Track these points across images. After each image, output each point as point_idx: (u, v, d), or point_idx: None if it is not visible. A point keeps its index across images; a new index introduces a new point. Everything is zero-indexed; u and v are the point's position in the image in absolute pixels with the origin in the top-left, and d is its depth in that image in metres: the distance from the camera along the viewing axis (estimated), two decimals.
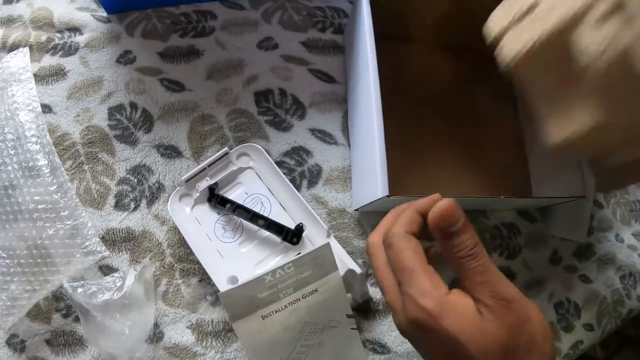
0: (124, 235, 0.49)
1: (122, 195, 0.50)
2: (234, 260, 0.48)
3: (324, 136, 0.54)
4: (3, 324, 0.44)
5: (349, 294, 0.44)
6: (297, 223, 0.48)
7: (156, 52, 0.56)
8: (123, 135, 0.52)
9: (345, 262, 0.48)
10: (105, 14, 0.57)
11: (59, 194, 0.47)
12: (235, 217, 0.49)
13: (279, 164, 0.52)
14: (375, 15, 0.46)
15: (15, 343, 0.46)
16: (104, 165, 0.51)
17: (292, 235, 0.48)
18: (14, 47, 0.55)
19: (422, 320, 0.25)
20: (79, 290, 0.43)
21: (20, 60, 0.54)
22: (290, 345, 0.42)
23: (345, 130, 0.55)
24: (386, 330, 0.49)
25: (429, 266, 0.27)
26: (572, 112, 0.29)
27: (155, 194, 0.51)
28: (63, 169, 0.49)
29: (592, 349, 0.98)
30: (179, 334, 0.47)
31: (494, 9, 0.38)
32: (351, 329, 0.44)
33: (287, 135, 0.54)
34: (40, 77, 0.54)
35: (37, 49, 0.55)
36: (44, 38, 0.56)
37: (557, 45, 0.27)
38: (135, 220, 0.50)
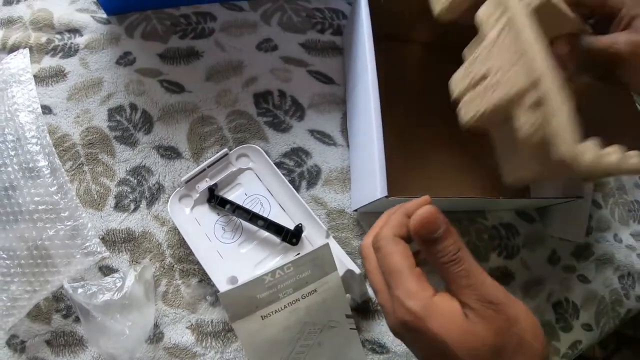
0: (124, 236, 0.49)
1: (122, 196, 0.51)
2: (234, 260, 0.48)
3: (323, 137, 0.55)
4: (3, 325, 0.44)
5: (348, 294, 0.44)
6: (297, 224, 0.48)
7: (156, 54, 0.56)
8: (123, 137, 0.53)
9: (344, 262, 0.48)
10: (105, 16, 0.57)
11: (59, 195, 0.47)
12: (234, 217, 0.50)
13: (278, 165, 0.52)
14: (374, 16, 0.46)
15: (16, 344, 0.46)
16: (104, 166, 0.51)
17: (292, 236, 0.48)
18: (14, 49, 0.56)
19: (410, 322, 0.26)
20: (79, 290, 0.43)
21: (21, 61, 0.54)
22: (289, 345, 0.42)
23: (344, 131, 0.55)
24: (385, 331, 0.49)
25: (417, 268, 0.27)
26: (520, 160, 0.33)
27: (155, 194, 0.51)
28: (63, 170, 0.49)
29: (591, 349, 0.98)
30: (179, 334, 0.47)
31: None
32: (350, 329, 0.44)
33: (287, 136, 0.54)
34: (40, 79, 0.54)
35: (37, 50, 0.56)
36: (44, 39, 0.56)
37: (503, 114, 0.30)
38: (135, 221, 0.50)
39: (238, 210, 0.48)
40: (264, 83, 0.56)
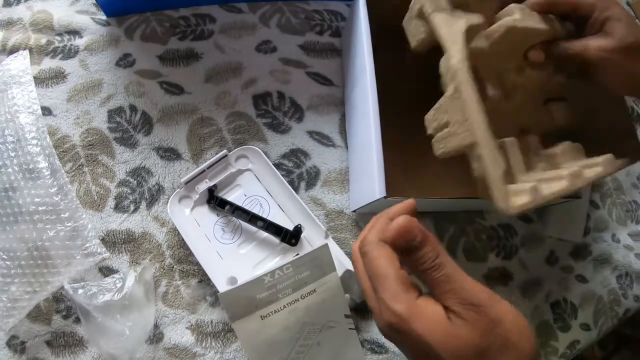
0: (123, 236, 0.49)
1: (122, 197, 0.51)
2: (233, 261, 0.48)
3: (321, 138, 0.55)
4: (3, 326, 0.44)
5: (347, 295, 0.45)
6: (296, 224, 0.49)
7: (155, 55, 0.56)
8: (123, 138, 0.53)
9: (343, 262, 0.48)
10: (104, 17, 0.58)
11: (59, 196, 0.47)
12: (234, 218, 0.50)
13: (278, 166, 0.53)
14: (372, 18, 0.46)
15: (16, 344, 0.46)
16: (104, 168, 0.52)
17: (291, 237, 0.48)
18: (14, 50, 0.56)
19: (395, 324, 0.26)
20: (80, 291, 0.44)
21: (20, 63, 0.54)
22: (289, 345, 0.42)
23: (343, 132, 0.55)
24: None
25: (402, 272, 0.28)
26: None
27: (154, 195, 0.51)
28: (63, 171, 0.50)
29: (589, 348, 0.99)
30: (179, 334, 0.47)
31: (492, 8, 0.42)
32: (349, 329, 0.44)
33: (286, 137, 0.54)
34: (40, 80, 0.54)
35: (37, 52, 0.56)
36: (43, 41, 0.56)
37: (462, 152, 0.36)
38: (135, 222, 0.50)
39: (237, 211, 0.49)
40: (263, 84, 0.56)
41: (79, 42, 0.56)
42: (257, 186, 0.51)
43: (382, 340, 0.49)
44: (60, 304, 0.47)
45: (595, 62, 0.39)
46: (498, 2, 0.42)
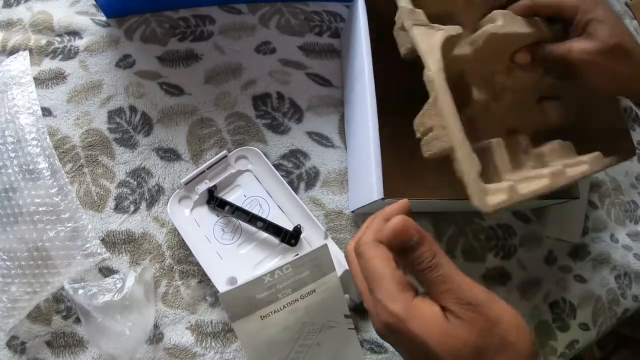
0: (124, 237, 0.50)
1: (122, 198, 0.51)
2: (233, 261, 0.49)
3: (321, 139, 0.55)
4: (3, 326, 0.44)
5: (346, 295, 0.45)
6: (295, 225, 0.49)
7: (155, 56, 0.56)
8: (123, 139, 0.53)
9: (342, 263, 0.48)
10: (104, 18, 0.58)
11: (59, 197, 0.48)
12: (234, 219, 0.50)
13: (277, 166, 0.53)
14: (371, 19, 0.46)
15: (16, 345, 0.46)
16: (104, 168, 0.52)
17: (290, 237, 0.48)
18: (14, 51, 0.56)
19: (392, 324, 0.26)
20: (80, 291, 0.44)
21: (20, 63, 0.54)
22: (288, 345, 0.42)
23: (342, 133, 0.55)
24: None
25: (398, 272, 0.28)
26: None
27: (154, 196, 0.51)
28: (63, 171, 0.50)
29: (589, 348, 0.99)
30: (179, 334, 0.47)
31: (477, 15, 0.44)
32: (349, 329, 0.44)
33: (285, 138, 0.55)
34: (40, 81, 0.54)
35: (37, 53, 0.56)
36: (43, 42, 0.56)
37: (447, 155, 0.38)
38: (135, 222, 0.50)
39: (237, 211, 0.49)
40: (262, 85, 0.56)
41: (79, 43, 0.56)
42: (256, 187, 0.51)
43: (382, 340, 0.49)
44: (61, 305, 0.47)
45: (578, 64, 0.40)
46: (484, 9, 0.44)
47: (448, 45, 0.40)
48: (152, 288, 0.47)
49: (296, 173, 0.53)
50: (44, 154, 0.49)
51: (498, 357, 0.25)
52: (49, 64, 0.55)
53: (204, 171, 0.50)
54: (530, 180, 0.39)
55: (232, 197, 0.51)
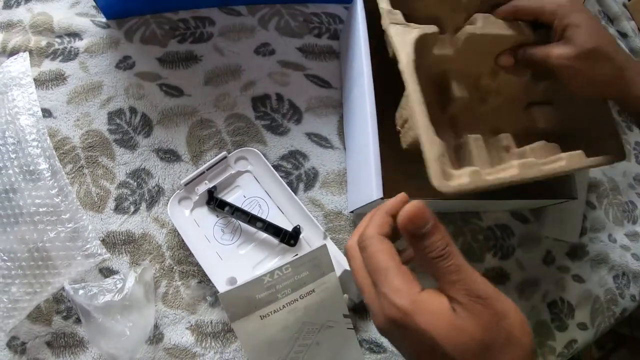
0: (124, 237, 0.50)
1: (122, 199, 0.51)
2: (233, 261, 0.49)
3: (320, 140, 0.55)
4: (4, 326, 0.44)
5: (345, 295, 0.45)
6: (295, 225, 0.49)
7: (155, 58, 0.56)
8: (123, 140, 0.53)
9: (341, 263, 0.48)
10: (104, 20, 0.58)
11: (59, 198, 0.48)
12: (233, 219, 0.50)
13: (276, 167, 0.53)
14: (370, 20, 0.47)
15: (16, 345, 0.46)
16: (104, 169, 0.52)
17: (290, 237, 0.48)
18: (14, 52, 0.56)
19: (398, 319, 0.26)
20: (80, 292, 0.44)
21: (21, 65, 0.54)
22: (288, 345, 0.43)
23: (341, 134, 0.56)
24: None
25: (403, 266, 0.28)
26: None
27: (154, 197, 0.51)
28: (63, 172, 0.50)
29: (587, 348, 0.99)
30: (179, 335, 0.47)
31: (491, 11, 0.45)
32: (348, 328, 0.45)
33: (284, 139, 0.55)
34: (41, 82, 0.55)
35: (37, 54, 0.56)
36: (43, 43, 0.57)
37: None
38: (135, 223, 0.50)
39: (237, 212, 0.49)
40: (262, 87, 0.57)
41: (79, 44, 0.57)
42: (256, 187, 0.52)
43: (381, 340, 0.49)
44: (61, 305, 0.48)
45: (557, 69, 0.41)
46: (470, 12, 0.46)
47: (424, 43, 0.42)
48: (152, 288, 0.47)
49: (295, 174, 0.54)
50: (44, 155, 0.49)
51: (504, 352, 0.25)
52: (49, 65, 0.56)
53: (203, 172, 0.50)
54: (502, 170, 0.40)
55: (232, 197, 0.51)
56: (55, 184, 0.48)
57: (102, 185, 0.51)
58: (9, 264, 0.45)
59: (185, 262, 0.49)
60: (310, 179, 0.54)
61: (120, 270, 0.49)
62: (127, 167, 0.52)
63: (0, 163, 0.48)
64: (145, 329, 0.45)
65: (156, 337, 0.47)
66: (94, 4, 0.57)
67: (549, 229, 0.56)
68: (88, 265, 0.46)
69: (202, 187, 0.49)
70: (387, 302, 0.27)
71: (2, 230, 0.47)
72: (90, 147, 0.52)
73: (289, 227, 0.49)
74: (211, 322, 0.48)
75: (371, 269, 0.28)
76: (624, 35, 0.73)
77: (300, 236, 0.49)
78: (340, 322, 0.44)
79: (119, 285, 0.45)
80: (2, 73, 0.53)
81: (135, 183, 0.52)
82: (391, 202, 0.31)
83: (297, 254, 0.46)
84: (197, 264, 0.48)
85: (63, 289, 0.45)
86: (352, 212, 0.52)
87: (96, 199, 0.51)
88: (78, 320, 0.47)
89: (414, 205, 0.27)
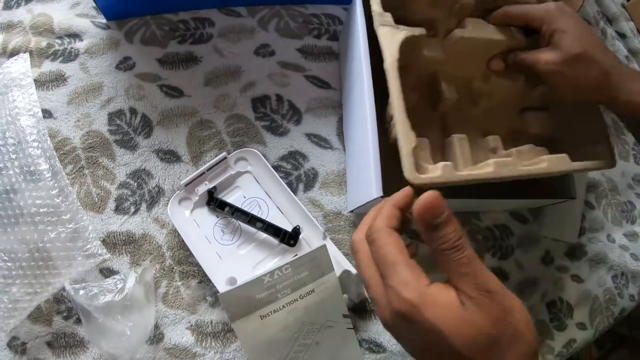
0: (124, 238, 0.50)
1: (123, 199, 0.51)
2: (233, 262, 0.49)
3: (319, 141, 0.55)
4: (4, 327, 0.44)
5: (345, 295, 0.45)
6: (294, 225, 0.49)
7: (155, 59, 0.57)
8: (123, 140, 0.53)
9: (341, 263, 0.48)
10: (104, 21, 0.58)
11: (60, 198, 0.48)
12: (233, 220, 0.50)
13: (276, 168, 0.53)
14: (369, 21, 0.47)
15: (17, 345, 0.46)
16: (104, 170, 0.52)
17: (289, 238, 0.48)
18: (14, 53, 0.56)
19: (406, 312, 0.26)
20: (81, 292, 0.44)
21: (21, 65, 0.55)
22: (288, 345, 0.43)
23: (341, 135, 0.56)
24: (382, 330, 0.50)
25: (411, 260, 0.28)
26: None
27: (155, 197, 0.52)
28: (64, 173, 0.50)
29: (587, 348, 0.99)
30: (179, 334, 0.48)
31: (485, 16, 0.46)
32: (347, 328, 0.45)
33: (284, 140, 0.55)
34: (41, 83, 0.55)
35: (38, 55, 0.56)
36: (44, 44, 0.57)
37: None
38: (135, 223, 0.51)
39: (237, 212, 0.49)
40: (261, 88, 0.57)
41: (79, 45, 0.57)
42: (256, 188, 0.52)
43: (380, 339, 0.50)
44: (61, 305, 0.48)
45: (545, 74, 0.41)
46: (463, 17, 0.47)
47: (412, 44, 0.43)
48: (153, 288, 0.47)
49: (295, 174, 0.54)
50: (44, 155, 0.50)
51: (510, 347, 0.25)
52: (49, 66, 0.56)
53: (203, 173, 0.50)
54: (478, 167, 0.41)
55: (232, 198, 0.51)
56: (56, 184, 0.48)
57: (103, 185, 0.51)
58: (9, 264, 0.46)
59: (185, 263, 0.50)
60: (310, 180, 0.54)
61: (121, 270, 0.49)
62: (128, 168, 0.52)
63: (0, 164, 0.48)
64: (145, 329, 0.45)
65: (156, 337, 0.47)
66: (94, 5, 0.57)
67: (547, 229, 0.56)
68: (88, 266, 0.47)
69: (202, 188, 0.50)
70: (395, 295, 0.26)
71: (3, 230, 0.47)
72: (90, 147, 0.53)
73: (289, 228, 0.49)
74: (211, 322, 0.48)
75: (380, 261, 0.28)
76: (622, 35, 0.73)
77: (300, 236, 0.49)
78: (340, 322, 0.44)
79: (120, 286, 0.45)
80: (2, 74, 0.54)
81: (135, 184, 0.52)
82: (399, 195, 0.31)
83: (297, 254, 0.46)
84: (197, 264, 0.48)
85: (63, 289, 0.45)
86: (351, 211, 0.52)
87: (96, 199, 0.51)
88: (78, 321, 0.47)
89: (430, 195, 0.26)
